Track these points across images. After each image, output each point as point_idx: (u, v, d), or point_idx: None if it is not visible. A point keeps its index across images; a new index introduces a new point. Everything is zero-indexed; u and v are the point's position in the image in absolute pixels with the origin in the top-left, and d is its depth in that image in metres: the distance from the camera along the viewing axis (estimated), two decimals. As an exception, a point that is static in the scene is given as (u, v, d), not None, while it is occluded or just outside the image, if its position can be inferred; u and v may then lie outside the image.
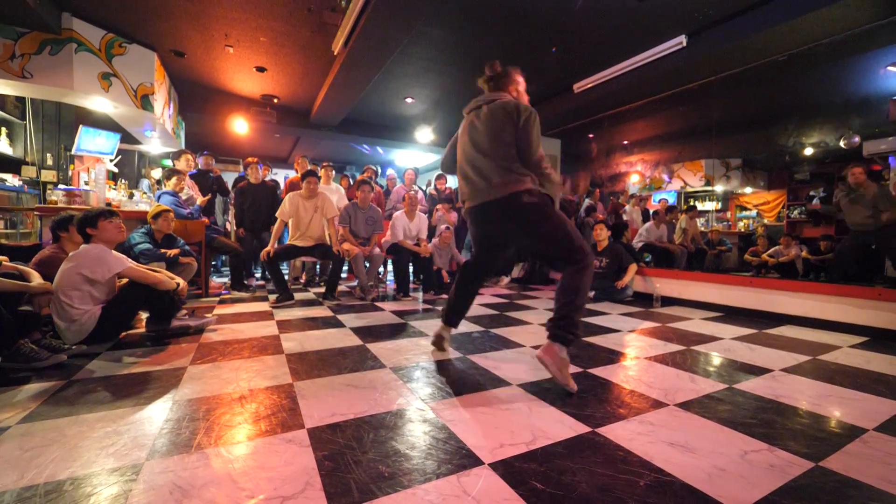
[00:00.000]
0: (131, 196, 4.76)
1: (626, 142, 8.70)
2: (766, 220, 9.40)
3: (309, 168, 4.74)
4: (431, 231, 5.32)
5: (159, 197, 4.08)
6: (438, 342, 2.41)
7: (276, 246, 3.93)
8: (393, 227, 4.60)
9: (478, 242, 2.27)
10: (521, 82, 2.19)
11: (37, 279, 2.21)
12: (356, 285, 4.47)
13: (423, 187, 6.72)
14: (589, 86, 5.10)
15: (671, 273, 4.59)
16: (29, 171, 5.19)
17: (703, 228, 7.94)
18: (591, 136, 7.70)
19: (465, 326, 3.09)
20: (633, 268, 4.55)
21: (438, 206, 5.60)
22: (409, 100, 6.29)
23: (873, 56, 4.49)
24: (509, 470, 1.22)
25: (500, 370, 2.12)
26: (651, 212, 6.86)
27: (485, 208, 2.04)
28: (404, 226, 4.61)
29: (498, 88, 2.15)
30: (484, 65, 2.19)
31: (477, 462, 1.26)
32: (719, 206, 10.21)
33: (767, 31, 3.56)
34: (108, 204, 4.04)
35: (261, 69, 5.41)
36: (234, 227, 5.19)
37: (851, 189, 4.13)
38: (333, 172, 5.41)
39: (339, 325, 3.09)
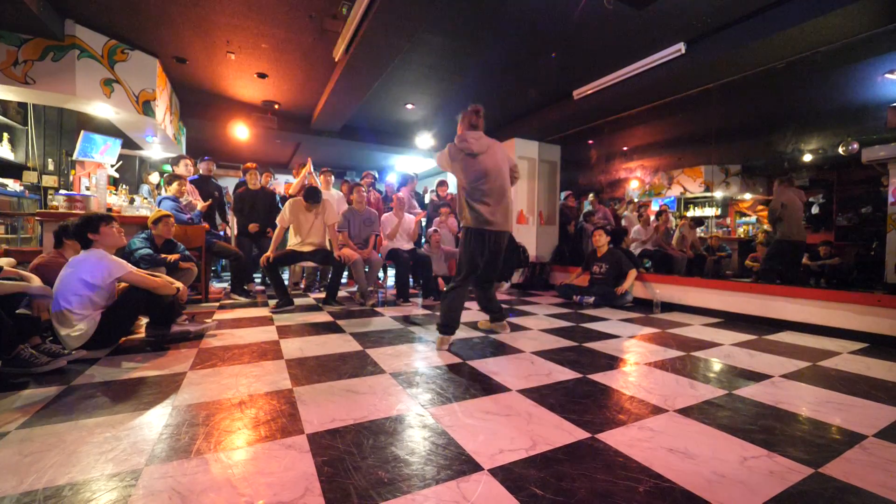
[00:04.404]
0: (132, 201, 4.77)
1: (625, 148, 8.73)
2: (765, 227, 9.39)
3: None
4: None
5: (160, 202, 4.10)
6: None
7: (275, 251, 3.94)
8: (383, 225, 4.97)
9: None
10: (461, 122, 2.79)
11: (37, 282, 2.22)
12: (356, 291, 4.48)
13: (420, 192, 6.85)
14: (588, 92, 5.12)
15: (671, 279, 4.59)
16: (30, 177, 5.21)
17: (702, 234, 7.96)
18: (590, 142, 7.73)
19: (464, 332, 3.10)
20: (633, 273, 4.55)
21: (441, 210, 5.63)
22: (409, 106, 6.32)
23: (871, 64, 4.52)
24: (509, 476, 1.22)
25: (499, 376, 2.12)
26: (636, 215, 6.87)
27: None
28: (393, 224, 4.95)
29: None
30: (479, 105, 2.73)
31: (476, 468, 1.26)
32: (719, 212, 10.22)
33: (766, 40, 3.58)
34: (109, 209, 4.05)
35: (262, 75, 5.44)
36: (234, 233, 5.20)
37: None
38: (333, 178, 5.43)
39: (339, 330, 3.09)
